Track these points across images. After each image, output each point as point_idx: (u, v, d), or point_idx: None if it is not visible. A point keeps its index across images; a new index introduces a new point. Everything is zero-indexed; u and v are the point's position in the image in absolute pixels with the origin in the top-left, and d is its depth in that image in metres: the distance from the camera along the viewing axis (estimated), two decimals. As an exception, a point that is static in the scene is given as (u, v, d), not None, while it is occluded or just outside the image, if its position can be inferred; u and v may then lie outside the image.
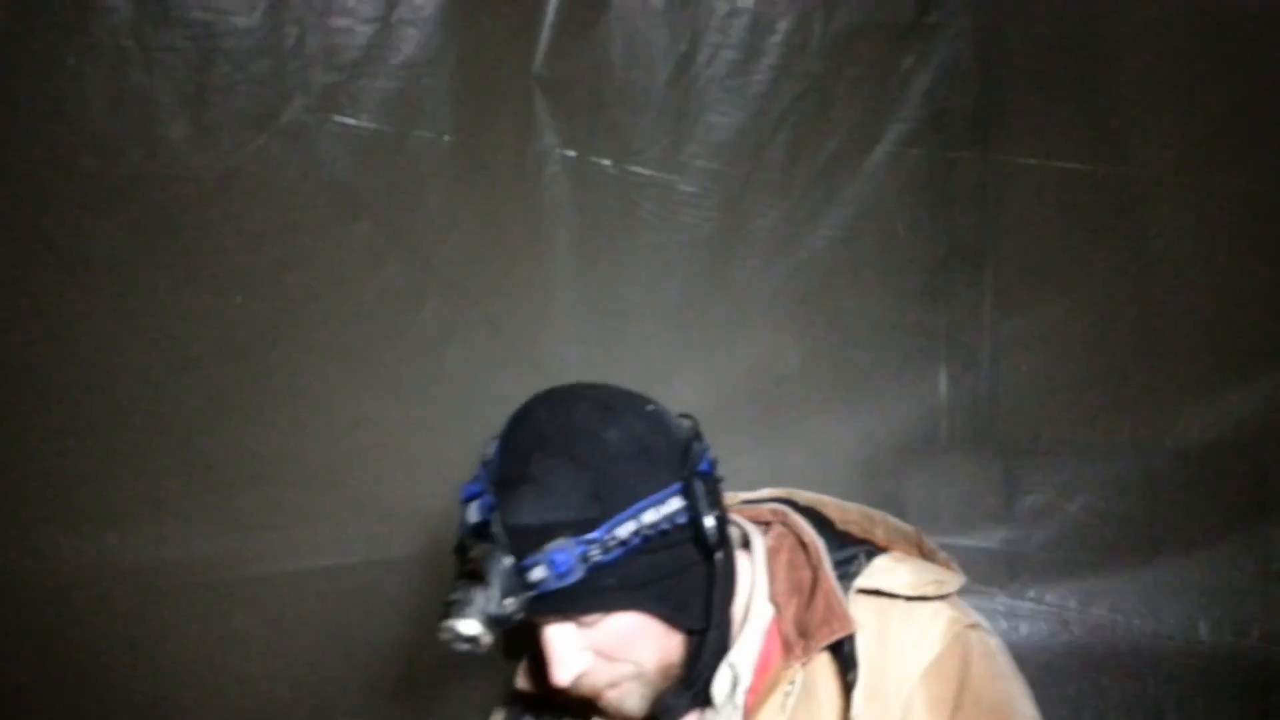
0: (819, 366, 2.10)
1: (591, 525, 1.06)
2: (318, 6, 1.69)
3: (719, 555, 1.12)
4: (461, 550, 1.08)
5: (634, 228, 1.97)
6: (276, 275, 1.79)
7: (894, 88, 1.97)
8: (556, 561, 1.04)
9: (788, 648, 1.18)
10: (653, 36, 1.90)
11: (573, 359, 2.01)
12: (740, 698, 1.17)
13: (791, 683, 1.16)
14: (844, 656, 1.14)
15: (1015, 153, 2.06)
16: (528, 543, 1.05)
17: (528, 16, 1.83)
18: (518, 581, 1.04)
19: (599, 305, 2.00)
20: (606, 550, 1.06)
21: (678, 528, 1.10)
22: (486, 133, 1.85)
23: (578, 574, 1.05)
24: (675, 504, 1.10)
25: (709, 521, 1.10)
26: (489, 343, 1.95)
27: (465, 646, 1.04)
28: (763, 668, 1.18)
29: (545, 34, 1.84)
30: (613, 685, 1.13)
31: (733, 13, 1.91)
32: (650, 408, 1.15)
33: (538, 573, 1.04)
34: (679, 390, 2.03)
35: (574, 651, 1.11)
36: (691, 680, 1.16)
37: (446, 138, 1.82)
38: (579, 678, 1.11)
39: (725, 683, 1.18)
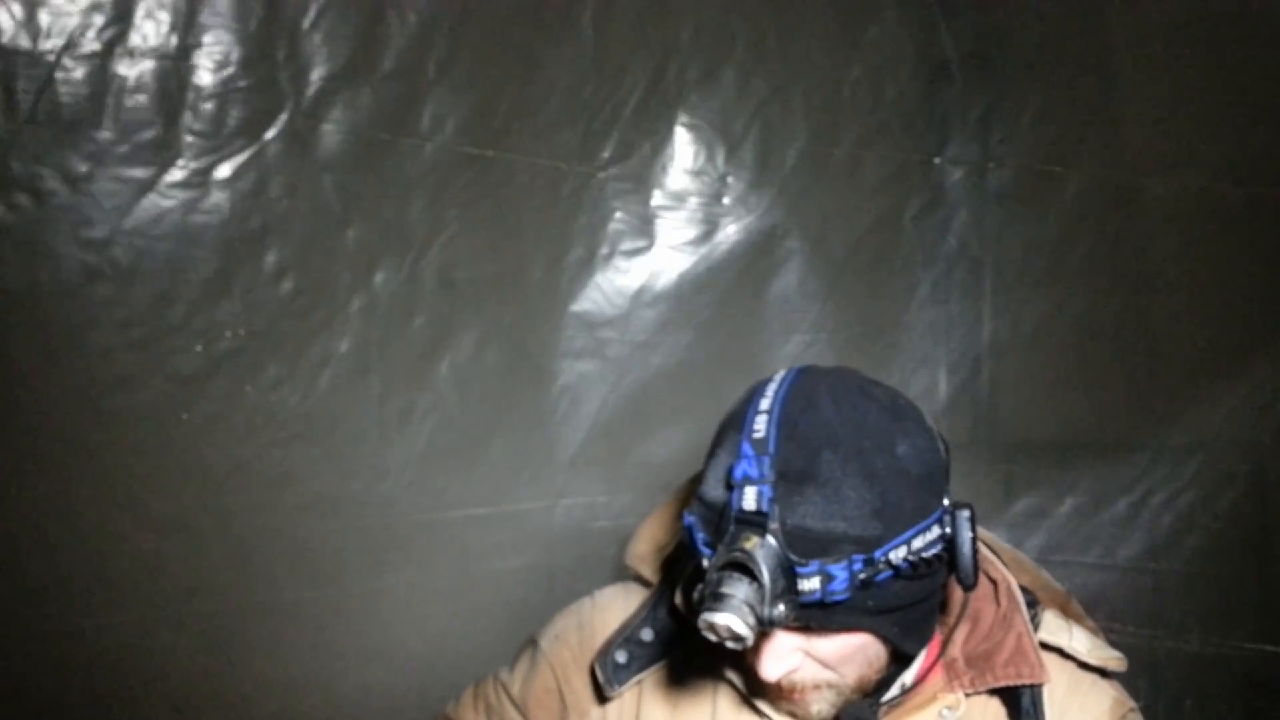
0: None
1: (872, 544, 1.01)
2: (310, 18, 1.75)
3: (972, 587, 1.08)
4: (721, 532, 1.01)
5: (617, 235, 2.03)
6: (273, 283, 1.80)
7: (849, 94, 2.08)
8: (834, 575, 0.99)
9: (952, 672, 1.16)
10: (626, 52, 2.00)
11: (567, 370, 2.04)
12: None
13: (950, 708, 1.15)
14: (1021, 706, 1.12)
15: (1013, 157, 2.15)
16: (807, 549, 0.99)
17: (509, 32, 1.92)
18: (785, 586, 0.98)
19: (588, 314, 2.03)
20: (877, 572, 1.01)
21: (936, 556, 1.06)
22: (471, 142, 1.90)
23: (847, 592, 1.00)
24: (937, 531, 1.06)
25: (966, 552, 1.06)
26: (480, 352, 1.97)
27: (729, 644, 0.99)
28: (917, 683, 1.17)
29: (528, 49, 1.93)
30: (814, 688, 1.11)
31: (698, 29, 2.03)
32: (928, 420, 1.12)
33: (810, 583, 0.99)
34: (672, 400, 2.07)
35: (789, 651, 1.08)
36: (878, 691, 1.15)
37: (433, 145, 1.88)
38: (785, 674, 1.09)
39: (895, 692, 1.17)
